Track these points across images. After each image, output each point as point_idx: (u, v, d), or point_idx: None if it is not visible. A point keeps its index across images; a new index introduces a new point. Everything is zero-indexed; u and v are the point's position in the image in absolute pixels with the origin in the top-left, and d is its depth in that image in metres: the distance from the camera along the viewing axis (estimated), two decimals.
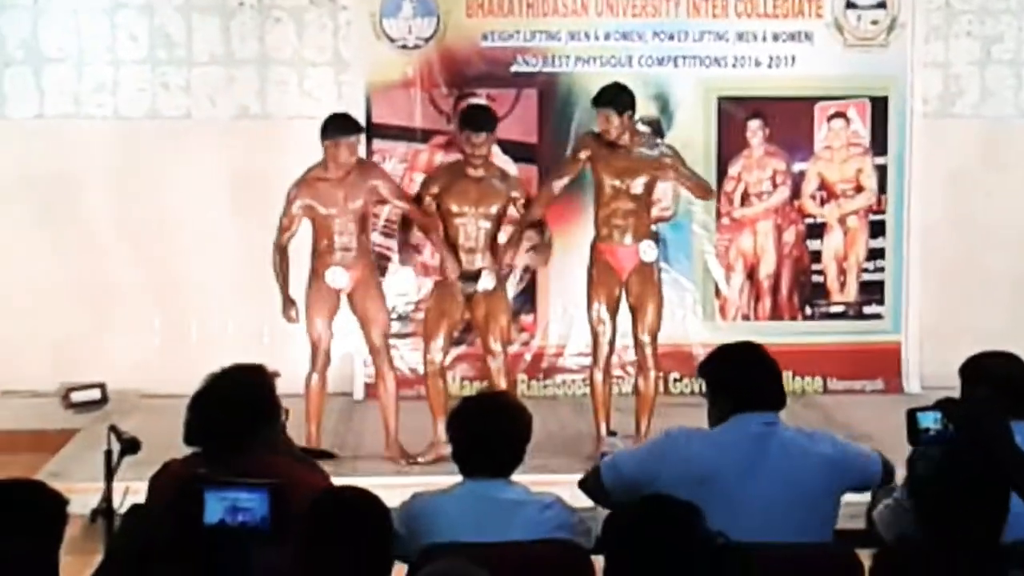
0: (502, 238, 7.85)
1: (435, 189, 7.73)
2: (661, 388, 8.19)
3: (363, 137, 7.74)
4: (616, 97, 7.67)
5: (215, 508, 3.24)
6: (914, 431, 3.40)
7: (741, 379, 4.36)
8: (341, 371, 8.54)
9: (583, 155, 7.75)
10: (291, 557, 3.11)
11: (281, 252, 7.64)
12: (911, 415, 3.40)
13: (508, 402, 4.54)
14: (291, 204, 7.61)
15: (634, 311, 7.82)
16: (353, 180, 7.61)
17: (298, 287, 7.70)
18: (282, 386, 4.48)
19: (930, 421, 3.38)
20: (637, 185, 7.67)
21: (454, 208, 7.67)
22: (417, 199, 7.86)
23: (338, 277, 7.64)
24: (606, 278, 7.74)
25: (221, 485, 3.31)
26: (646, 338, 7.81)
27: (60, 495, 3.55)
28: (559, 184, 7.85)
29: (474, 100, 9.41)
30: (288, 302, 7.63)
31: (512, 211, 7.83)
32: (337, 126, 7.57)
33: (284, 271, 7.65)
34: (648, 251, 7.74)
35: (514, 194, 7.78)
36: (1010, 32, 10.01)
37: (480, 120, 7.72)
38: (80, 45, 9.63)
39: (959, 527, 3.09)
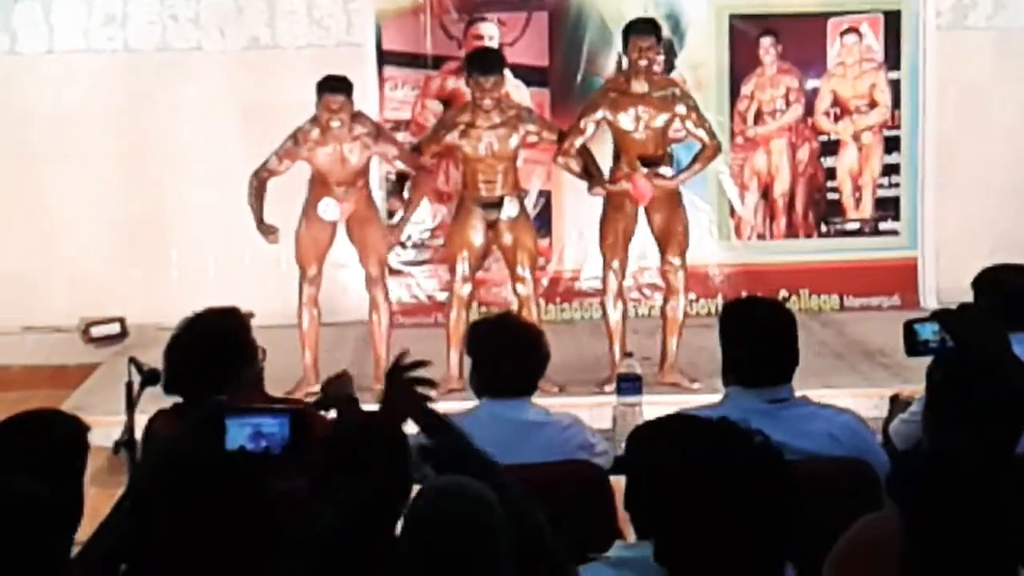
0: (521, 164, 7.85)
1: (448, 139, 7.68)
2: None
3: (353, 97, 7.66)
4: (653, 24, 7.70)
5: (237, 435, 3.27)
6: (912, 343, 3.39)
7: (743, 351, 4.10)
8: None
9: (599, 115, 7.66)
10: (308, 486, 3.14)
11: (260, 182, 7.67)
12: (908, 327, 3.39)
13: (526, 323, 4.57)
14: (283, 155, 7.63)
15: (662, 235, 7.80)
16: (355, 147, 7.59)
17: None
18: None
19: (928, 333, 3.37)
20: (653, 136, 7.64)
21: (470, 154, 7.64)
22: (418, 149, 7.84)
23: (330, 209, 7.66)
24: (623, 205, 7.72)
25: (242, 412, 3.34)
26: (677, 261, 7.79)
27: (79, 422, 3.59)
28: (578, 142, 7.70)
29: (484, 25, 9.39)
30: (264, 226, 7.66)
31: (534, 141, 7.79)
32: (326, 84, 7.51)
33: (260, 197, 7.68)
34: (668, 173, 7.72)
35: (530, 128, 7.70)
36: None
37: (487, 63, 7.66)
38: None
39: (974, 433, 3.10)
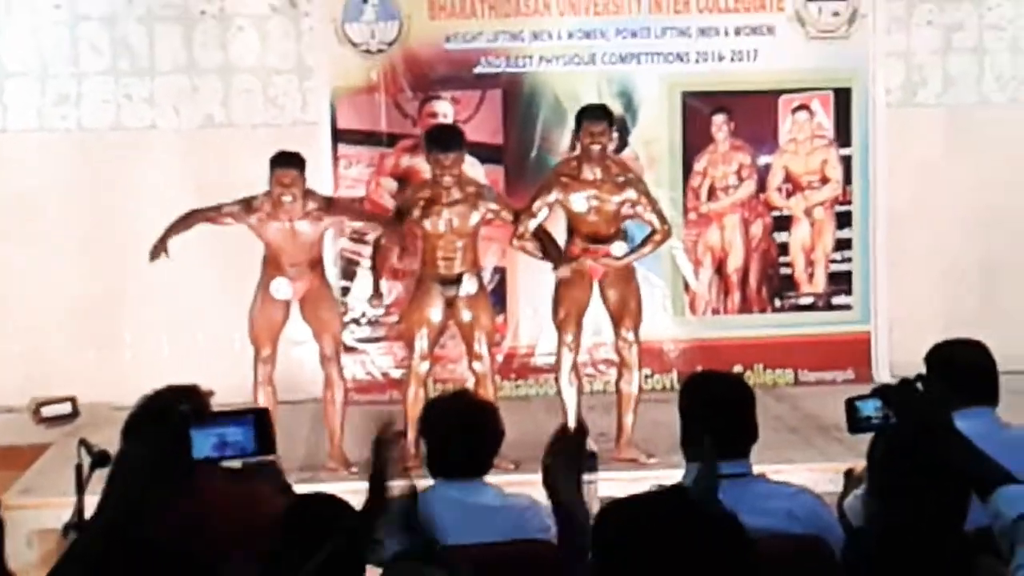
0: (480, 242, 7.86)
1: (413, 215, 7.69)
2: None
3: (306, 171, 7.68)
4: (604, 110, 7.77)
5: (203, 444, 3.28)
6: (854, 420, 3.37)
7: (703, 425, 3.99)
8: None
9: (552, 198, 7.69)
10: (260, 570, 3.11)
11: (190, 217, 7.67)
12: (850, 403, 3.37)
13: (479, 401, 4.54)
14: (228, 210, 7.62)
15: (616, 310, 7.83)
16: (307, 223, 7.59)
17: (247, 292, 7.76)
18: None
19: (871, 409, 3.35)
20: (605, 217, 7.69)
21: (429, 230, 7.65)
22: (398, 214, 7.82)
23: (282, 288, 7.66)
24: (576, 280, 7.75)
25: (205, 422, 3.35)
26: (630, 335, 7.82)
27: None
28: (532, 225, 7.71)
29: (439, 104, 9.44)
30: (164, 240, 7.67)
31: (492, 218, 7.78)
32: (278, 160, 7.52)
33: (181, 225, 7.68)
34: (618, 249, 7.75)
35: (491, 206, 7.71)
36: (970, 20, 10.05)
37: (447, 140, 7.69)
38: (42, 58, 9.59)
39: (917, 511, 3.10)
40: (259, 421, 3.33)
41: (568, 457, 3.50)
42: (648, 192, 7.83)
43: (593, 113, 7.69)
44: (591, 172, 7.64)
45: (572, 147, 9.30)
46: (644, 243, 7.86)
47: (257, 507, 3.48)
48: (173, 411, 3.52)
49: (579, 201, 7.67)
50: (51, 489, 6.93)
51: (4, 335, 9.47)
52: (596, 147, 7.57)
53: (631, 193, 7.69)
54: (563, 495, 3.31)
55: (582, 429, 3.49)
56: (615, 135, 7.94)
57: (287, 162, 7.49)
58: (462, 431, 4.23)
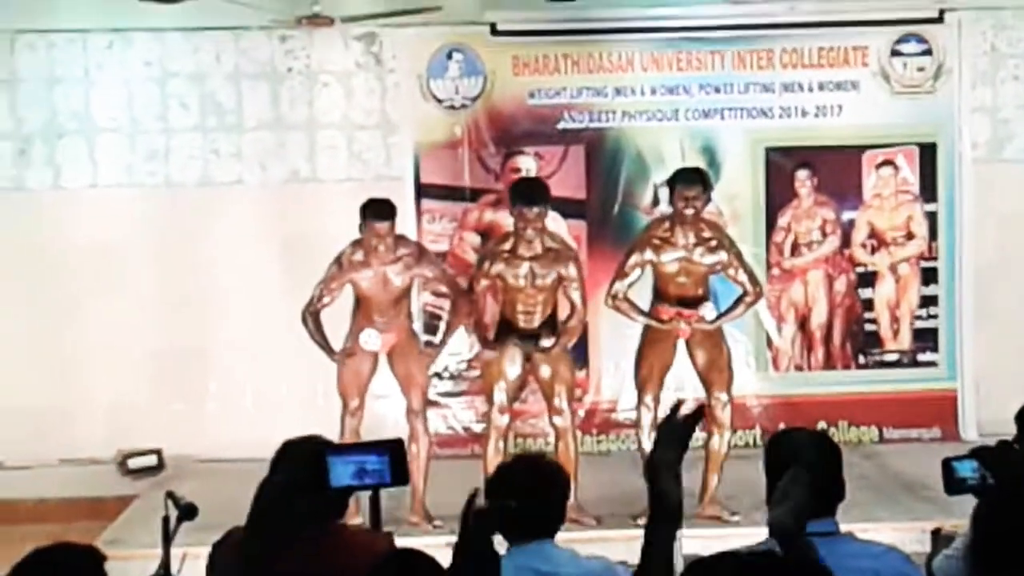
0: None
1: (494, 271, 7.70)
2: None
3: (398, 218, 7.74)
4: (699, 173, 7.80)
5: (341, 473, 3.38)
6: (951, 481, 3.33)
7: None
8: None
9: (645, 258, 7.71)
10: None
11: (314, 317, 7.70)
12: (947, 465, 3.33)
13: (544, 464, 4.48)
14: (330, 282, 7.68)
15: (706, 371, 7.80)
16: (397, 269, 7.66)
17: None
18: None
19: (967, 471, 3.31)
20: (694, 280, 7.70)
21: (510, 283, 7.67)
22: (469, 287, 7.84)
23: (371, 339, 7.70)
24: (662, 337, 7.73)
25: (342, 450, 3.51)
26: (723, 396, 7.77)
27: (96, 553, 3.59)
28: (625, 284, 7.74)
29: (522, 159, 9.48)
30: (331, 351, 7.70)
31: (570, 290, 7.72)
32: (371, 211, 7.58)
33: (320, 330, 7.71)
34: (709, 312, 7.74)
35: (566, 272, 7.66)
36: None
37: (532, 194, 7.69)
38: (132, 114, 9.75)
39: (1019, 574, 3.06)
40: (396, 452, 3.46)
41: (675, 440, 3.43)
42: (740, 254, 7.82)
43: (687, 177, 7.70)
44: (683, 235, 7.63)
45: (654, 203, 9.36)
46: (735, 305, 7.84)
47: (373, 552, 3.51)
48: (312, 442, 3.63)
49: (670, 263, 7.67)
50: (137, 541, 7.00)
51: (90, 387, 9.57)
52: (690, 211, 7.57)
53: (723, 255, 7.68)
54: (663, 482, 3.26)
55: (699, 412, 3.39)
56: (708, 197, 7.92)
57: (379, 211, 7.54)
58: (521, 494, 4.19)
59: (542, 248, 7.64)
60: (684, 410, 3.34)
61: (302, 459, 3.84)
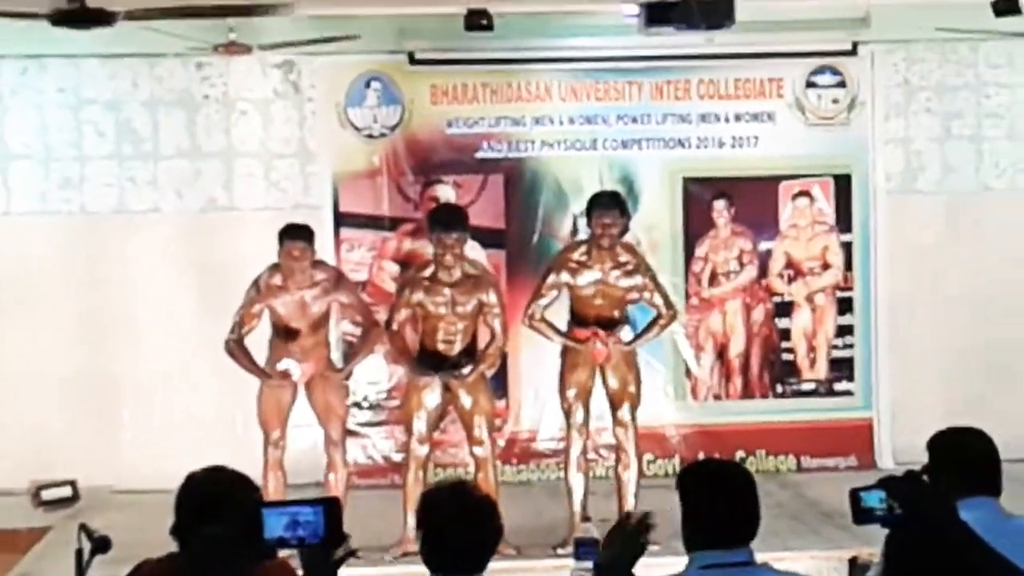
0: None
1: (414, 299, 7.67)
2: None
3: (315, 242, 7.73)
4: (616, 199, 7.84)
5: (274, 524, 3.34)
6: (858, 511, 3.34)
7: (703, 513, 3.95)
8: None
9: (561, 280, 7.74)
10: None
11: (239, 345, 7.64)
12: (854, 495, 3.34)
13: (479, 495, 4.44)
14: (249, 307, 7.64)
15: (615, 394, 7.83)
16: (315, 293, 7.64)
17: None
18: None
19: (874, 500, 3.32)
20: (611, 302, 7.73)
21: (430, 311, 7.65)
22: (389, 319, 7.78)
23: (291, 368, 7.66)
24: (580, 361, 7.75)
25: (276, 504, 3.48)
26: (627, 417, 7.82)
27: None
28: (542, 305, 7.78)
29: (441, 188, 9.48)
30: (265, 375, 7.64)
31: (490, 318, 7.71)
32: (288, 233, 7.56)
33: (248, 356, 7.66)
34: (626, 335, 7.78)
35: (486, 299, 7.66)
36: (968, 107, 10.11)
37: (450, 220, 7.70)
38: (46, 141, 9.65)
39: None
40: (330, 510, 3.41)
41: (624, 544, 3.48)
42: (655, 277, 7.87)
43: (605, 203, 7.73)
44: (600, 259, 7.67)
45: (573, 233, 9.38)
46: (650, 327, 7.89)
47: None
48: (244, 492, 3.63)
49: (587, 286, 7.69)
50: (50, 574, 6.89)
51: (3, 415, 9.43)
52: (606, 239, 7.61)
53: (638, 279, 7.73)
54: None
55: (646, 521, 3.43)
56: (626, 222, 7.97)
57: (296, 235, 7.54)
58: (461, 525, 4.15)
59: (462, 274, 7.64)
60: (634, 518, 3.38)
61: (236, 510, 3.80)
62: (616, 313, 7.77)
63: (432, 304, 7.63)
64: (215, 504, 3.90)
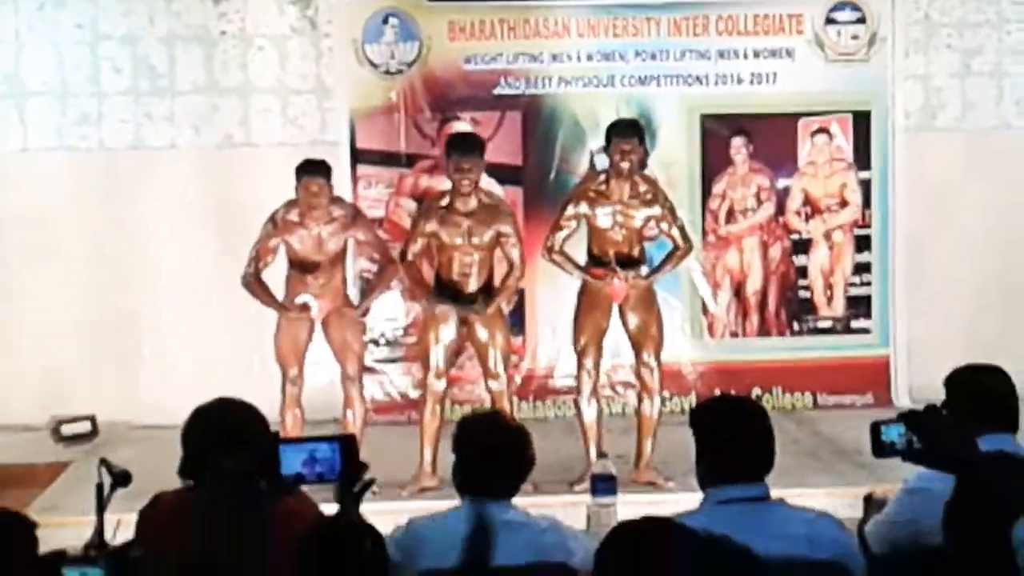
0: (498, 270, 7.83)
1: (428, 229, 7.67)
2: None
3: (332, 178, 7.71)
4: (635, 126, 7.78)
5: (292, 460, 3.40)
6: (879, 444, 3.36)
7: (717, 450, 3.98)
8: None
9: (580, 212, 7.70)
10: None
11: (256, 279, 7.66)
12: (875, 428, 3.36)
13: (515, 426, 4.48)
14: (265, 241, 7.64)
15: (637, 335, 7.81)
16: (332, 229, 7.64)
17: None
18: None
19: (894, 435, 3.33)
20: (629, 235, 7.70)
21: (446, 241, 7.63)
22: (404, 250, 7.78)
23: (309, 302, 7.68)
24: (597, 302, 7.74)
25: (294, 440, 3.62)
26: (652, 361, 7.79)
27: (25, 519, 3.58)
28: (561, 237, 7.75)
29: (458, 124, 9.45)
30: (284, 308, 7.65)
31: (508, 247, 7.70)
32: (306, 169, 7.56)
33: (266, 291, 7.67)
34: (640, 273, 7.76)
35: (504, 229, 7.66)
36: (989, 44, 10.04)
37: (467, 145, 7.67)
38: (63, 77, 9.63)
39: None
40: (346, 447, 3.49)
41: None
42: (673, 209, 7.83)
43: (623, 130, 7.68)
44: (619, 188, 7.64)
45: (591, 165, 9.35)
46: (666, 260, 7.87)
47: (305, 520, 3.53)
48: (257, 424, 3.69)
49: (605, 217, 7.66)
50: (71, 508, 6.94)
51: (21, 353, 9.49)
52: (625, 164, 7.57)
53: (656, 209, 7.70)
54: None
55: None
56: (645, 150, 7.95)
57: (314, 171, 7.52)
58: (496, 453, 4.19)
59: (478, 204, 7.61)
60: None
61: (250, 444, 3.81)
62: (635, 251, 7.75)
63: (447, 234, 7.60)
64: (228, 436, 3.92)
